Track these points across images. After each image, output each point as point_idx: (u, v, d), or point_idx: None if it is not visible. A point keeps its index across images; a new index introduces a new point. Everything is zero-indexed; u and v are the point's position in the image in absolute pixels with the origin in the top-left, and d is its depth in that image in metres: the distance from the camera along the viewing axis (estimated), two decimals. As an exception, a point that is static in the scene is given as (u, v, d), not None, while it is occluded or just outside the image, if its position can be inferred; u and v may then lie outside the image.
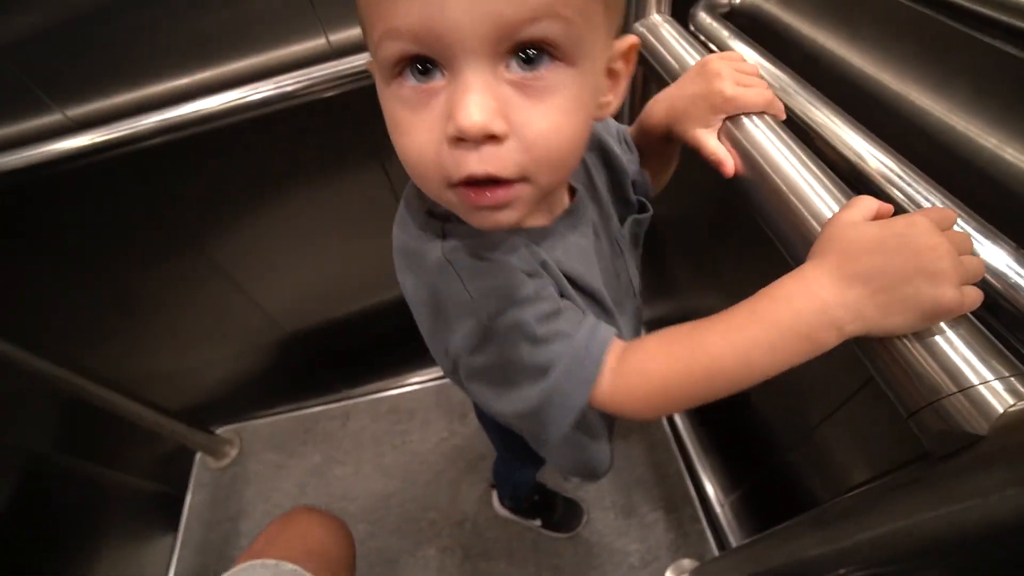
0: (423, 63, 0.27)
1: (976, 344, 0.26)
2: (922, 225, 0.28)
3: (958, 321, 0.27)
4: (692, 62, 0.50)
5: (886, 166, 0.39)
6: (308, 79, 0.69)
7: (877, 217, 0.31)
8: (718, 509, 1.03)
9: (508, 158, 0.27)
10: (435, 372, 1.37)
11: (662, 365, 0.33)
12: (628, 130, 0.50)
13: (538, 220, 0.38)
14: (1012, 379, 0.24)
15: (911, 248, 0.27)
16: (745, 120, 0.41)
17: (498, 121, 0.26)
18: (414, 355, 1.41)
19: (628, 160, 0.47)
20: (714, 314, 0.33)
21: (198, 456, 1.29)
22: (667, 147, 0.49)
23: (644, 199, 0.49)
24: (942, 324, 0.27)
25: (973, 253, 0.30)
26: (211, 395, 1.33)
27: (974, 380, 0.24)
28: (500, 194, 0.29)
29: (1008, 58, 0.37)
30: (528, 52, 0.26)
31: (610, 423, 0.58)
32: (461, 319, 0.33)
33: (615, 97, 0.34)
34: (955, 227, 0.31)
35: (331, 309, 1.22)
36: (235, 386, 1.34)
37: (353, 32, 0.72)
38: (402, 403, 1.30)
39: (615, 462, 1.06)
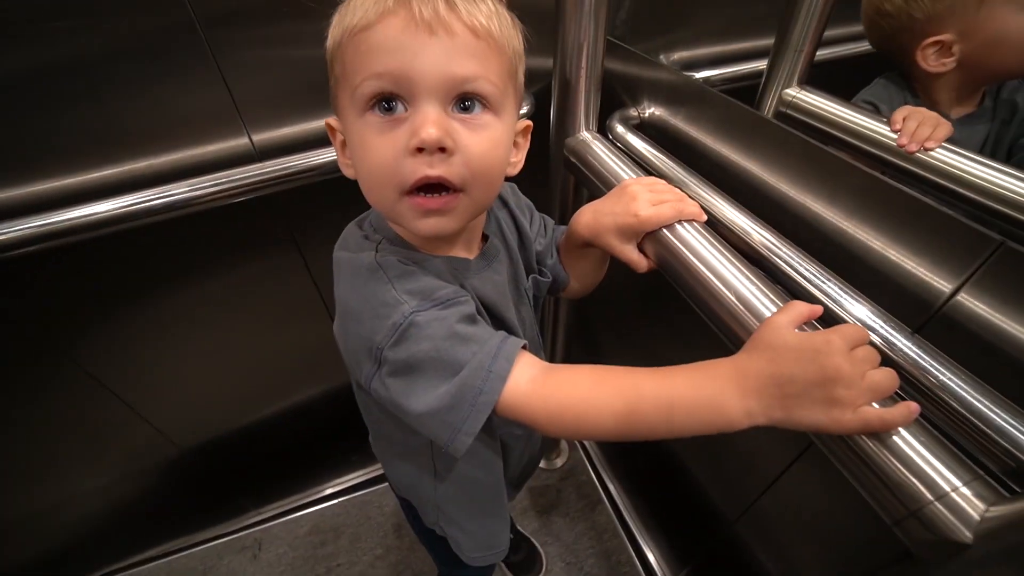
0: (389, 101, 0.36)
1: (936, 449, 0.28)
2: (835, 344, 0.32)
3: (917, 427, 0.30)
4: (620, 173, 0.54)
5: (790, 258, 0.45)
6: (230, 182, 0.65)
7: (807, 320, 0.36)
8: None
9: (454, 167, 0.37)
10: (359, 475, 1.24)
11: (590, 386, 0.37)
12: (556, 227, 0.58)
13: (459, 252, 0.45)
14: (975, 483, 0.26)
15: (821, 367, 0.31)
16: (664, 232, 0.46)
17: (448, 139, 0.36)
18: (333, 458, 1.28)
19: (536, 236, 0.56)
20: (650, 367, 0.37)
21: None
22: (592, 251, 0.55)
23: (543, 268, 0.56)
24: (903, 431, 0.30)
25: (883, 368, 0.33)
26: (77, 540, 1.08)
27: (946, 488, 0.26)
28: (445, 199, 0.37)
29: (881, 183, 0.45)
30: (467, 102, 0.37)
31: (511, 491, 0.62)
32: (386, 314, 0.38)
33: (519, 162, 0.45)
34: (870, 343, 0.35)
35: (234, 417, 1.09)
36: (110, 524, 1.10)
37: (275, 133, 0.70)
38: (325, 520, 1.15)
39: (565, 558, 1.01)
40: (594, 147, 0.58)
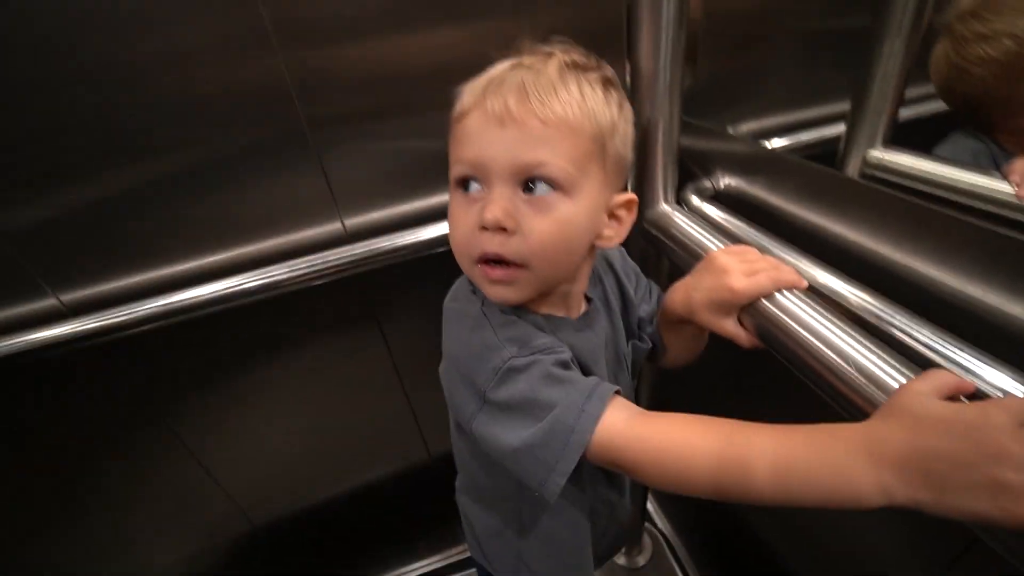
0: (469, 182, 0.41)
1: None
2: (997, 419, 0.27)
3: None
4: (704, 242, 0.53)
5: (907, 325, 0.40)
6: (324, 263, 0.71)
7: (954, 393, 0.30)
8: None
9: (511, 246, 0.40)
10: (428, 566, 1.18)
11: (695, 429, 0.36)
12: (661, 294, 0.57)
13: (557, 311, 0.47)
14: None
15: (978, 445, 0.26)
16: (763, 303, 0.43)
17: (509, 220, 0.39)
18: (401, 545, 1.23)
19: (640, 301, 0.57)
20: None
21: None
22: (684, 330, 0.54)
23: (643, 334, 0.57)
24: None
25: None
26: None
27: None
28: (503, 272, 0.41)
29: (1011, 241, 0.40)
30: (532, 184, 0.39)
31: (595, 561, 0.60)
32: (489, 358, 0.40)
33: (616, 235, 0.45)
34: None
35: (310, 493, 1.09)
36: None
37: (365, 218, 0.76)
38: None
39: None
40: (675, 218, 0.58)
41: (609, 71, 0.43)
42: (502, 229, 0.39)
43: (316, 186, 0.72)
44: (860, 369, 0.35)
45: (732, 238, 0.58)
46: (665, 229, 0.58)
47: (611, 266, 0.56)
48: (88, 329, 0.69)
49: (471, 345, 0.43)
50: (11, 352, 0.67)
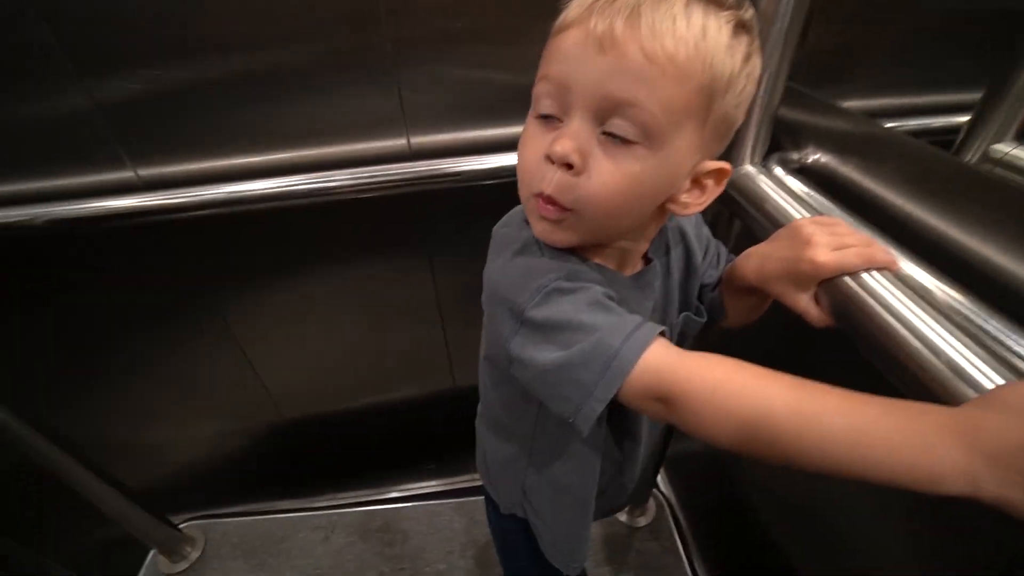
0: (549, 117, 0.37)
1: None
2: None
3: None
4: (789, 211, 0.50)
5: (1002, 331, 0.36)
6: (385, 175, 0.70)
7: None
8: None
9: (567, 189, 0.36)
10: (435, 485, 1.24)
11: (755, 372, 0.33)
12: (730, 257, 0.53)
13: (610, 263, 0.44)
14: None
15: None
16: (846, 281, 0.40)
17: (575, 156, 0.35)
18: (409, 465, 1.30)
19: (709, 270, 0.53)
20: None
21: (151, 554, 1.12)
22: (751, 298, 0.50)
23: (701, 306, 0.53)
24: None
25: None
26: (180, 480, 1.19)
27: None
28: (552, 210, 0.38)
29: None
30: (617, 123, 0.34)
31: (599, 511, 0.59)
32: (535, 278, 0.38)
33: (696, 204, 0.41)
34: None
35: (335, 401, 1.15)
36: (210, 473, 1.20)
37: (433, 139, 0.75)
38: (396, 521, 1.15)
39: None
40: (759, 181, 0.54)
41: (749, 13, 0.36)
42: (567, 166, 0.35)
43: (389, 102, 0.71)
44: (950, 364, 0.32)
45: (815, 213, 0.54)
46: (745, 191, 0.54)
47: (683, 235, 0.51)
48: (157, 204, 0.72)
49: (515, 266, 0.40)
50: (86, 215, 0.71)
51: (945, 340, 0.34)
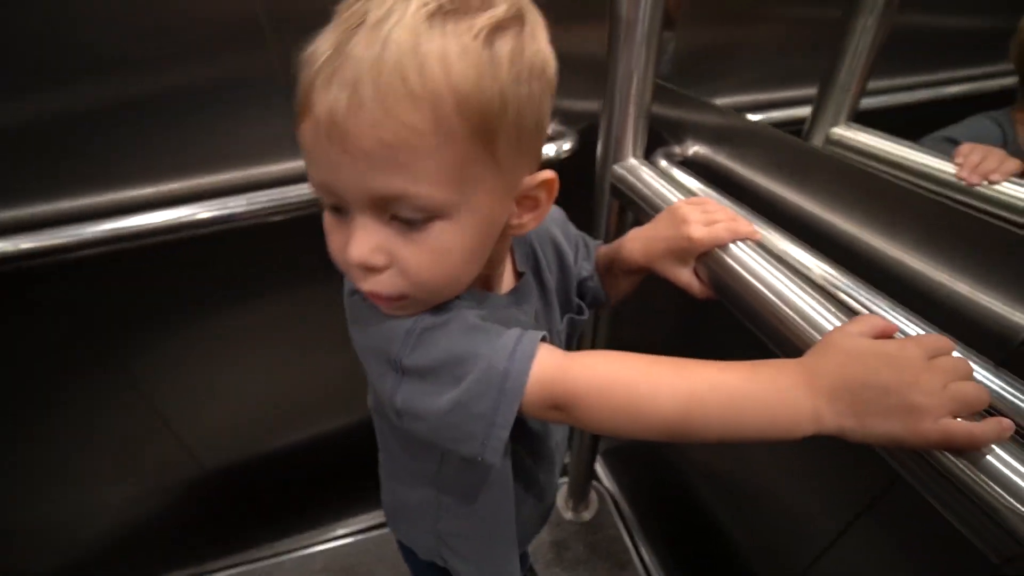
0: (335, 206, 0.33)
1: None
2: (911, 351, 0.29)
3: (1017, 447, 0.27)
4: (668, 196, 0.54)
5: (850, 287, 0.43)
6: (284, 199, 0.68)
7: (880, 335, 0.32)
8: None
9: (388, 282, 0.33)
10: (377, 515, 1.20)
11: (642, 365, 0.34)
12: (599, 247, 0.55)
13: (478, 285, 0.41)
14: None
15: (894, 372, 0.29)
16: (717, 253, 0.45)
17: (376, 256, 0.32)
18: (350, 497, 1.24)
19: (581, 264, 0.53)
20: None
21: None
22: (636, 276, 0.54)
23: (582, 304, 0.54)
24: (1001, 452, 0.27)
25: (971, 380, 0.29)
26: (92, 557, 1.06)
27: None
28: (385, 302, 0.35)
29: (944, 207, 0.43)
30: (404, 216, 0.31)
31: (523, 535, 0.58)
32: (399, 323, 0.36)
33: (533, 219, 0.39)
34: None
35: (260, 442, 1.08)
36: (127, 544, 1.08)
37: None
38: (337, 560, 1.10)
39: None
40: (642, 172, 0.59)
41: (502, 8, 0.30)
42: (371, 268, 0.33)
43: (283, 122, 0.69)
44: (803, 316, 0.37)
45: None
46: (632, 184, 0.59)
47: (552, 238, 0.50)
48: (25, 249, 0.65)
49: (379, 314, 0.37)
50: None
51: (796, 294, 0.38)
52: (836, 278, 0.43)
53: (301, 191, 0.70)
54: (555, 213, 0.53)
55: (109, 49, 0.59)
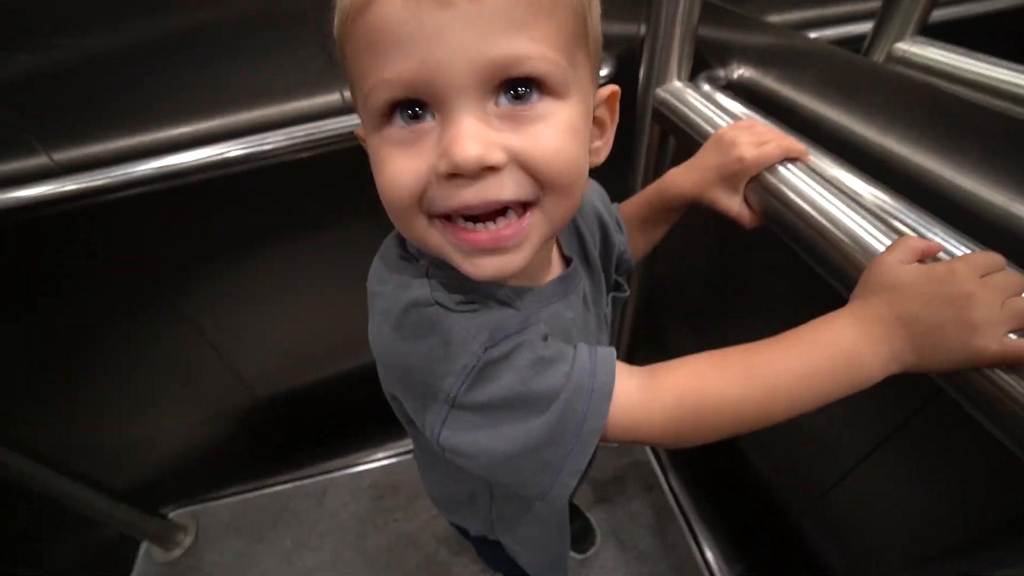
0: (412, 108, 0.27)
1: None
2: (961, 271, 0.29)
3: None
4: (717, 120, 0.52)
5: (899, 210, 0.41)
6: (320, 132, 0.68)
7: (922, 257, 0.32)
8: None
9: (513, 184, 0.28)
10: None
11: (716, 376, 0.32)
12: (626, 202, 0.53)
13: (524, 279, 0.37)
14: None
15: (947, 296, 0.28)
16: (769, 175, 0.43)
17: (496, 151, 0.26)
18: (393, 421, 1.32)
19: (619, 238, 0.49)
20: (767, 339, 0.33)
21: (143, 546, 1.12)
22: (674, 216, 0.52)
23: (620, 280, 0.51)
24: None
25: None
26: (163, 472, 1.18)
27: None
28: (509, 230, 0.29)
29: (1014, 121, 0.40)
30: (518, 89, 0.27)
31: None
32: (455, 356, 0.30)
33: (604, 144, 0.35)
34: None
35: (309, 372, 1.15)
36: (193, 461, 1.20)
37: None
38: (385, 477, 1.19)
39: (619, 534, 1.00)
40: (688, 95, 0.57)
41: None
42: (489, 168, 0.27)
43: (317, 59, 0.68)
44: (852, 236, 0.36)
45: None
46: (676, 108, 0.57)
47: (595, 210, 0.46)
48: (80, 189, 0.68)
49: (423, 342, 0.31)
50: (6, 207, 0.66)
51: (849, 216, 0.38)
52: (887, 202, 0.42)
53: (342, 123, 0.70)
54: (594, 185, 0.50)
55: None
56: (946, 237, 0.39)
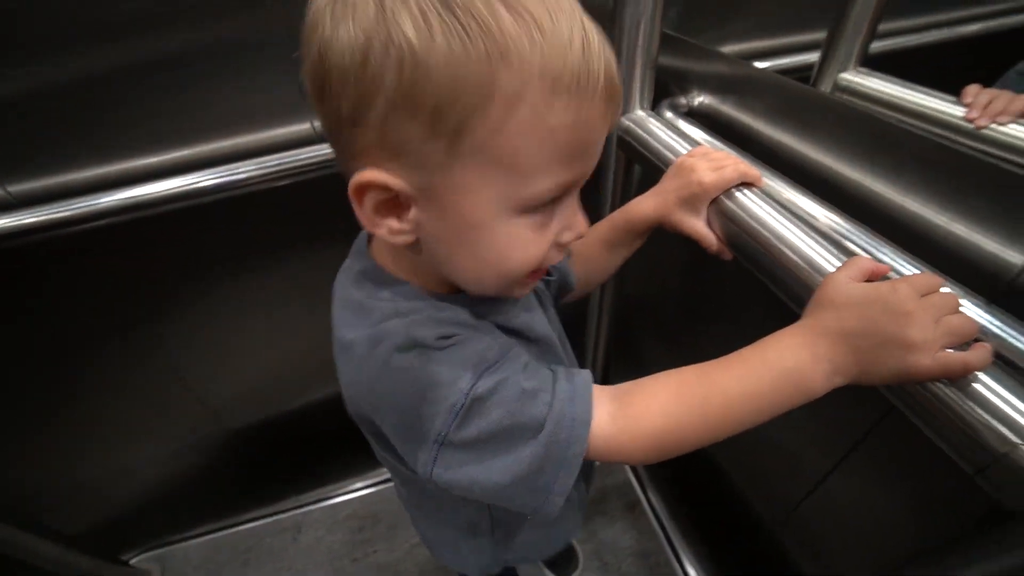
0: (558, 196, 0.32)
1: (1019, 391, 0.27)
2: (902, 291, 0.31)
3: (996, 370, 0.29)
4: (678, 148, 0.55)
5: (850, 231, 0.44)
6: (292, 161, 0.69)
7: (870, 277, 0.34)
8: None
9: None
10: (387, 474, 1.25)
11: (675, 405, 0.34)
12: (597, 225, 0.55)
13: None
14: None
15: (889, 314, 0.30)
16: (726, 198, 0.46)
17: None
18: (368, 452, 1.29)
19: (560, 265, 0.52)
20: (716, 359, 0.35)
21: (104, 596, 1.06)
22: (639, 240, 0.54)
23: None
24: (981, 375, 0.29)
25: (960, 312, 0.31)
26: (123, 514, 1.13)
27: None
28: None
29: (948, 151, 0.44)
30: None
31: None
32: (442, 396, 0.32)
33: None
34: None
35: (280, 402, 1.12)
36: (157, 500, 1.15)
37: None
38: (363, 507, 1.16)
39: (602, 556, 0.99)
40: (650, 124, 0.59)
41: None
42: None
43: (290, 86, 0.69)
44: (804, 258, 0.38)
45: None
46: (639, 136, 0.59)
47: None
48: (36, 222, 0.66)
49: (411, 390, 0.32)
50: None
51: (801, 239, 0.40)
52: (839, 224, 0.45)
53: (311, 153, 0.70)
54: None
55: (108, 15, 0.58)
56: (894, 257, 0.41)
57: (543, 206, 0.31)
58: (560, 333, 0.50)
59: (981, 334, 0.34)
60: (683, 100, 0.72)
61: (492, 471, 0.32)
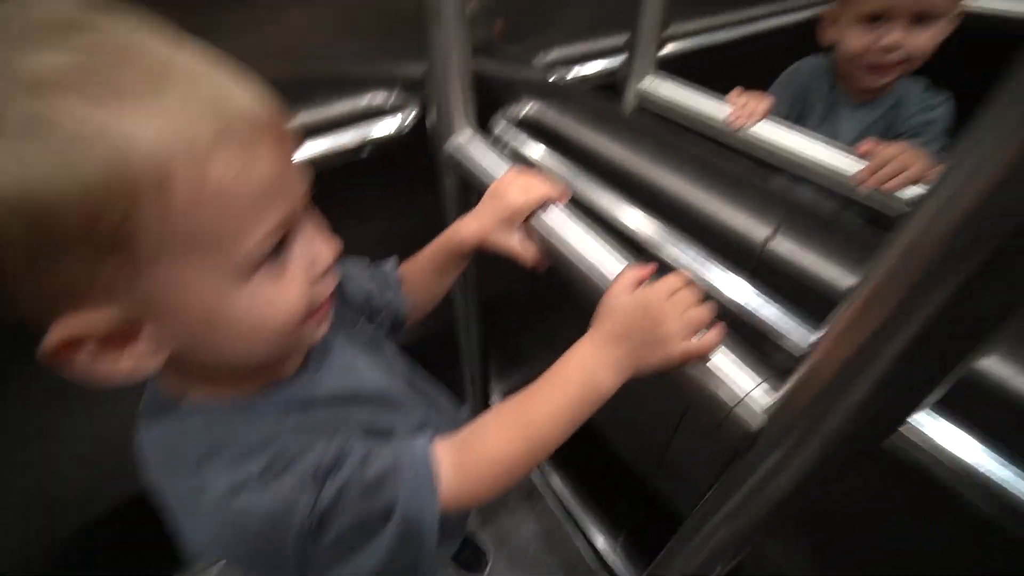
0: (280, 245, 0.31)
1: (741, 360, 0.35)
2: (655, 294, 0.38)
3: (732, 342, 0.36)
4: (495, 167, 0.59)
5: (649, 232, 0.52)
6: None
7: (640, 281, 0.41)
8: (612, 557, 1.07)
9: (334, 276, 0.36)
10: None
11: (505, 441, 0.38)
12: (409, 259, 0.57)
13: (289, 368, 0.38)
14: (764, 384, 0.33)
15: (648, 318, 0.37)
16: (535, 217, 0.51)
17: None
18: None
19: (388, 296, 0.53)
20: (532, 384, 0.40)
21: None
22: (464, 261, 0.57)
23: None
24: (721, 348, 0.36)
25: (699, 305, 0.38)
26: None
27: (745, 389, 0.32)
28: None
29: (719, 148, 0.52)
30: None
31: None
32: (287, 521, 0.31)
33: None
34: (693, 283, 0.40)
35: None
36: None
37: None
38: None
39: (509, 549, 1.03)
40: (473, 146, 0.62)
41: None
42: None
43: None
44: (592, 268, 0.45)
45: (531, 164, 0.64)
46: (462, 160, 0.62)
47: (362, 290, 0.51)
48: None
49: (257, 528, 0.31)
50: None
51: (594, 249, 0.46)
52: (639, 223, 0.51)
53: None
54: (356, 263, 0.54)
55: None
56: (696, 256, 0.48)
57: (266, 258, 0.30)
58: (408, 367, 0.53)
59: (731, 306, 0.42)
60: (516, 110, 0.76)
61: (360, 565, 0.34)
